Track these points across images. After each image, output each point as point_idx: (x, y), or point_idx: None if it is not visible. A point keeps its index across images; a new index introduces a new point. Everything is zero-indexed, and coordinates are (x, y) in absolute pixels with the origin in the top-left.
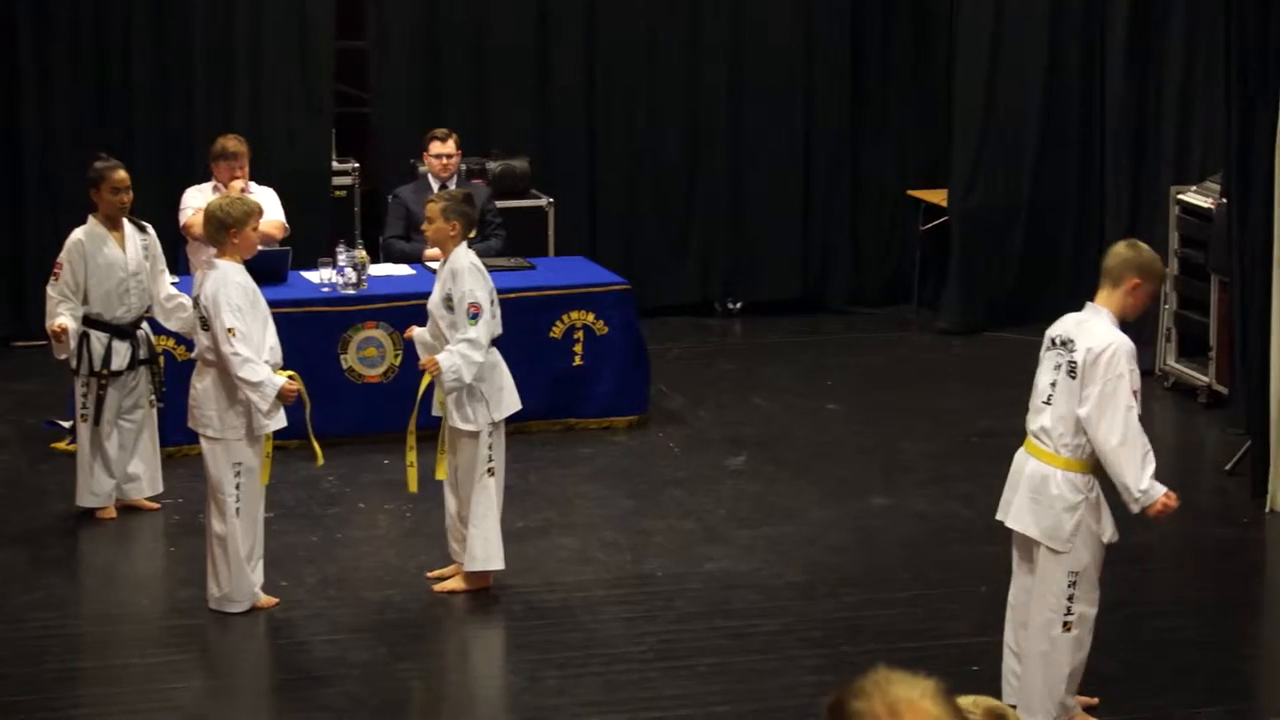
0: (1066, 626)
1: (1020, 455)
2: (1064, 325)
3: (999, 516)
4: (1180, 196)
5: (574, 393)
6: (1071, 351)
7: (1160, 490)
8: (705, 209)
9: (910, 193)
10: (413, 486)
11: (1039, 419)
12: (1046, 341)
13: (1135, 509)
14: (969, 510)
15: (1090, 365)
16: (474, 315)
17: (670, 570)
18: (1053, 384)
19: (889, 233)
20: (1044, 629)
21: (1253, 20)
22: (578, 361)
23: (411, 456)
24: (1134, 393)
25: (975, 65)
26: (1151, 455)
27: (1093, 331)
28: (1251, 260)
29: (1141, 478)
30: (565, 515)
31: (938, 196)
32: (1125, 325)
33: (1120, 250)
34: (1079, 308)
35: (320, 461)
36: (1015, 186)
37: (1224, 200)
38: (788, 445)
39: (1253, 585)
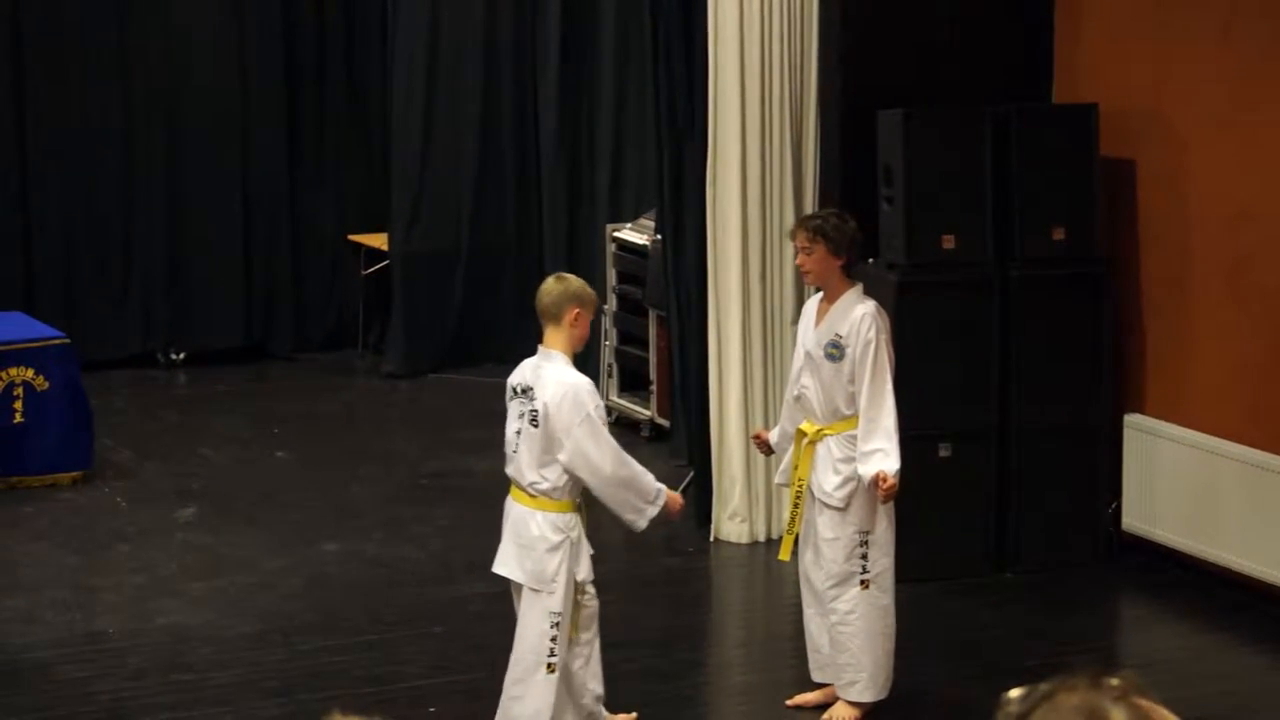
0: (550, 669)
1: (508, 501)
2: (522, 373)
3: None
4: (616, 234)
5: (16, 450)
6: (532, 400)
7: (666, 490)
8: (143, 258)
9: (351, 237)
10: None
11: (511, 466)
12: (509, 390)
13: (653, 511)
14: (420, 552)
15: (555, 413)
16: None
17: (122, 627)
18: (518, 432)
19: (331, 277)
20: (531, 670)
21: (679, 62)
22: (19, 419)
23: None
24: (602, 422)
25: (411, 110)
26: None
27: (550, 379)
28: (687, 295)
29: (648, 487)
30: (10, 575)
31: (378, 240)
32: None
33: (551, 287)
34: (521, 348)
35: None
36: (455, 229)
37: (659, 237)
38: (237, 495)
39: (700, 613)
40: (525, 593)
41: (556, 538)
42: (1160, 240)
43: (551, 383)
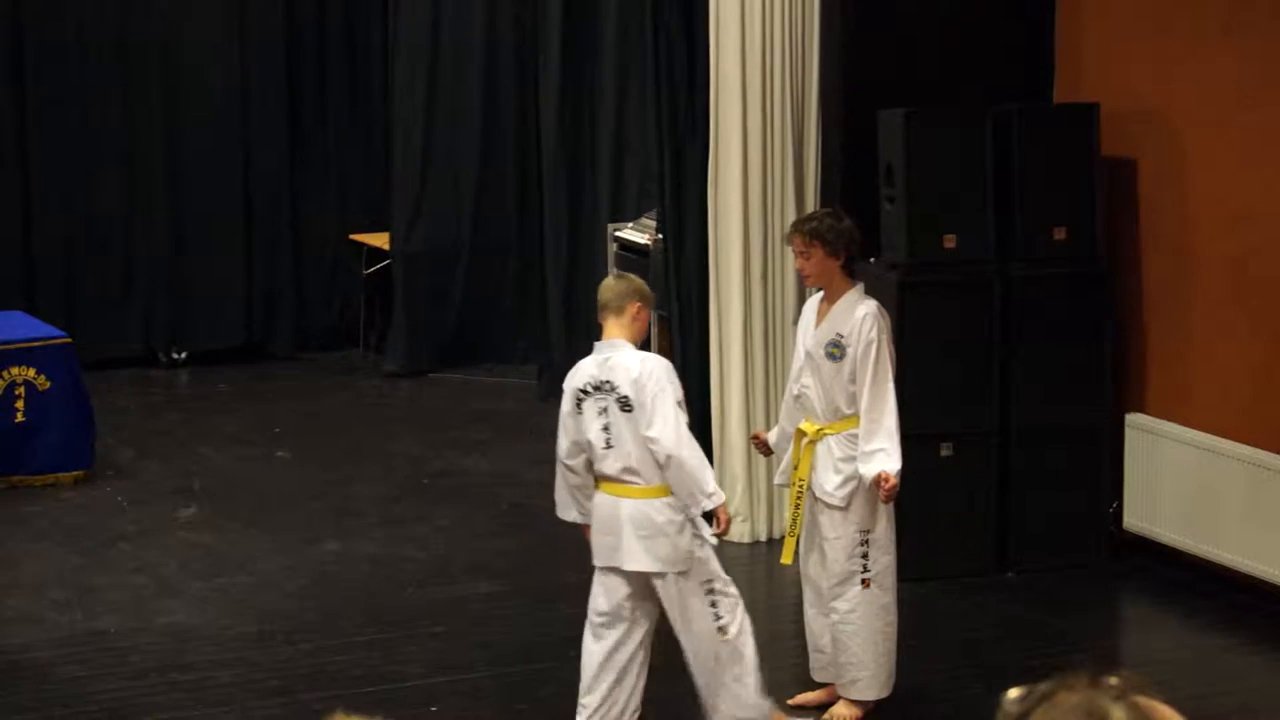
0: (723, 631)
1: (606, 501)
2: (588, 373)
3: (605, 564)
4: (617, 233)
5: (17, 449)
6: (615, 389)
7: (724, 499)
8: (145, 258)
9: (352, 236)
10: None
11: (607, 463)
12: (574, 395)
13: (706, 505)
14: (422, 552)
15: (640, 391)
16: None
17: (122, 626)
18: (606, 427)
19: (332, 277)
20: (712, 640)
21: (680, 62)
22: (20, 418)
23: None
24: (678, 403)
25: (412, 109)
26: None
27: (624, 364)
28: (688, 295)
29: (708, 481)
30: (11, 575)
31: (380, 240)
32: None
33: (612, 283)
34: (522, 348)
35: None
36: (455, 228)
37: (660, 236)
38: (238, 494)
39: None
40: (669, 580)
41: (680, 517)
42: (1160, 240)
43: (632, 364)
